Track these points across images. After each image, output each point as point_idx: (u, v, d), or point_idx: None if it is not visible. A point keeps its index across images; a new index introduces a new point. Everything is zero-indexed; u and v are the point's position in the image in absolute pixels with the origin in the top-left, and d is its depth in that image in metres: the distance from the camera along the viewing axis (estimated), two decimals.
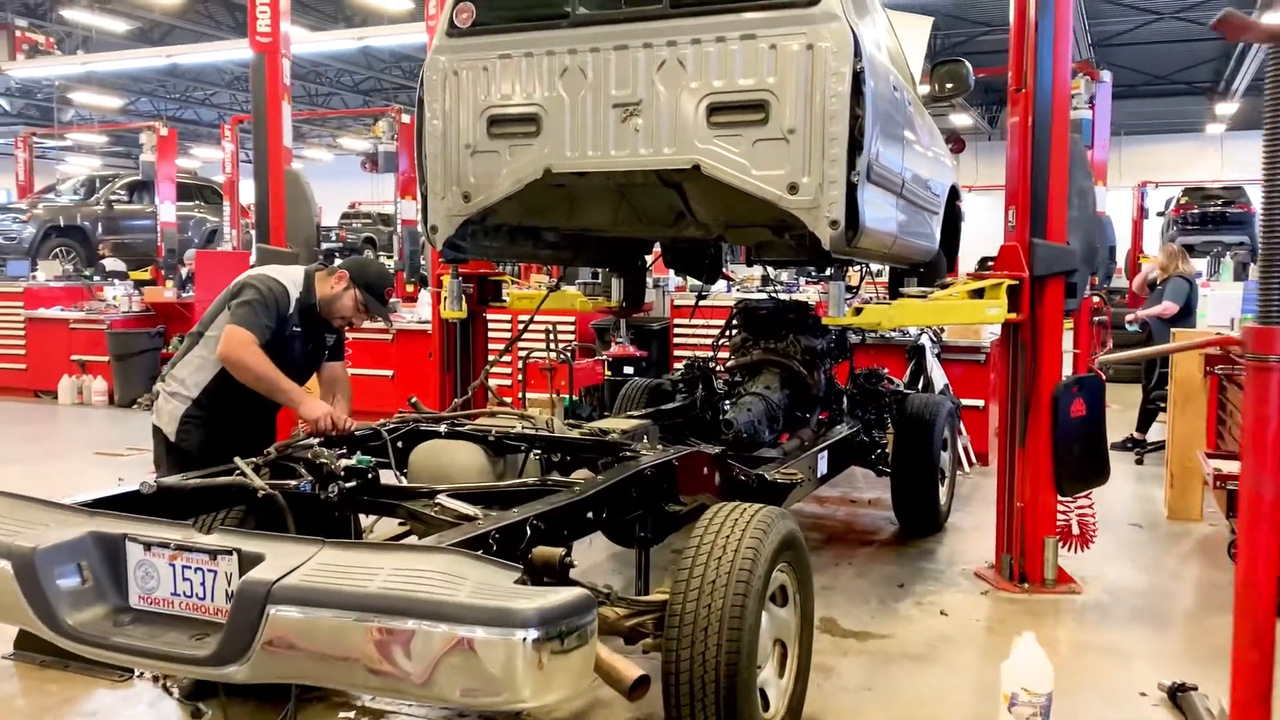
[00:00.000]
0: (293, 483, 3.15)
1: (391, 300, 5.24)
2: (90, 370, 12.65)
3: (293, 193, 7.23)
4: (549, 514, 2.90)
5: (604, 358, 9.49)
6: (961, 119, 26.49)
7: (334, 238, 23.62)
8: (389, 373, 10.36)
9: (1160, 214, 21.58)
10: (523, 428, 4.21)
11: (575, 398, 9.43)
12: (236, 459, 3.35)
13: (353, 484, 3.11)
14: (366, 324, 4.50)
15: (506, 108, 4.67)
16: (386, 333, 10.45)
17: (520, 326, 5.73)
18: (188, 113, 32.49)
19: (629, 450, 3.84)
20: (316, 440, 3.80)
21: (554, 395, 8.63)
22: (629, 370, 9.25)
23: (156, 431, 4.05)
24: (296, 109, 17.54)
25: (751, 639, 3.07)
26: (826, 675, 4.28)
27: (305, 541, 2.47)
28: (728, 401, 6.73)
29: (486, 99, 4.70)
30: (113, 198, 18.10)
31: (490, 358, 6.15)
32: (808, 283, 11.96)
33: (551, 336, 8.57)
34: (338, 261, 4.47)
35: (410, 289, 13.59)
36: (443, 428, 4.20)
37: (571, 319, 10.17)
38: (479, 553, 2.34)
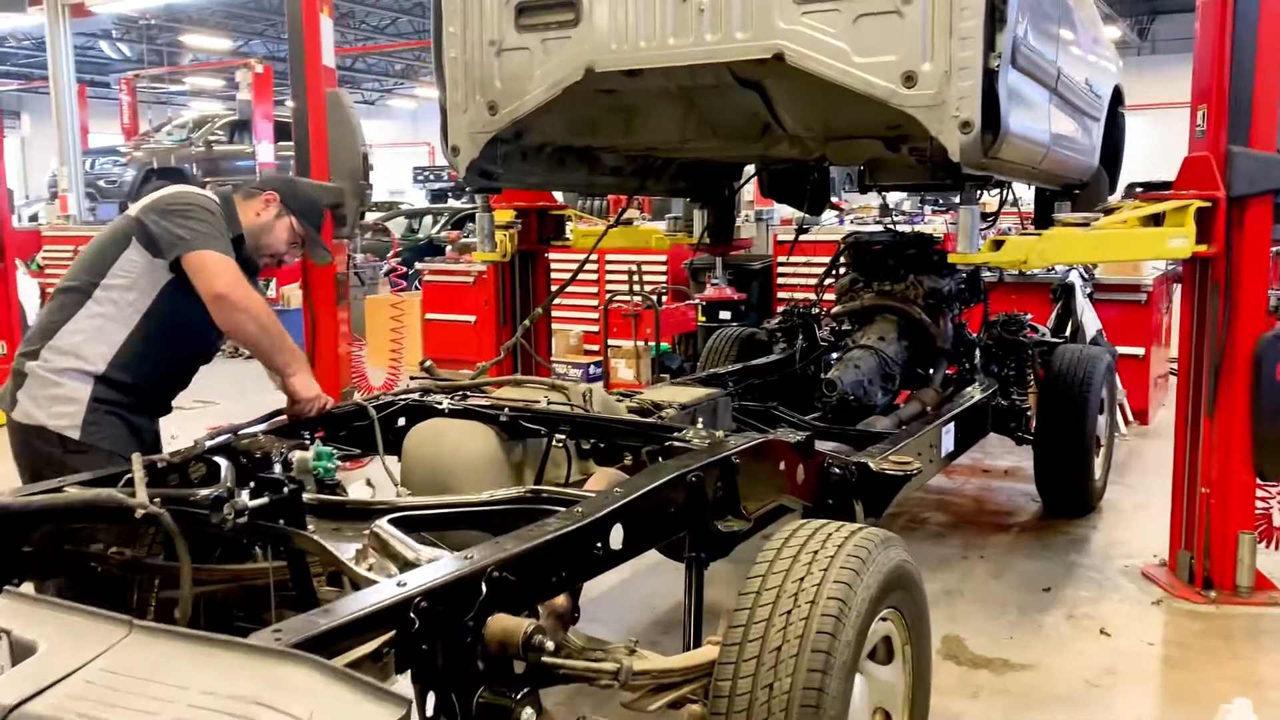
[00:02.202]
0: (207, 491, 2.25)
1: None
2: None
3: (335, 117, 6.36)
4: (524, 556, 1.93)
5: (696, 301, 8.44)
6: (1109, 30, 24.08)
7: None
8: (470, 318, 9.53)
9: None
10: (548, 402, 3.25)
11: (667, 345, 8.46)
12: (136, 456, 2.49)
13: (262, 500, 2.20)
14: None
15: None
16: (467, 274, 9.64)
17: (574, 270, 4.71)
18: None
19: (677, 439, 2.84)
20: (261, 428, 2.91)
21: (637, 344, 7.66)
22: (725, 315, 8.19)
23: (28, 432, 2.88)
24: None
25: None
26: None
27: (111, 622, 1.57)
28: (833, 355, 5.67)
29: None
30: (211, 138, 17.75)
31: (537, 309, 5.16)
32: (934, 212, 10.60)
33: (635, 279, 7.56)
34: (257, 179, 3.44)
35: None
36: (446, 403, 3.27)
37: (662, 258, 9.13)
38: (355, 673, 1.38)
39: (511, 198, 5.55)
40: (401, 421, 3.38)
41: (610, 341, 8.02)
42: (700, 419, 3.50)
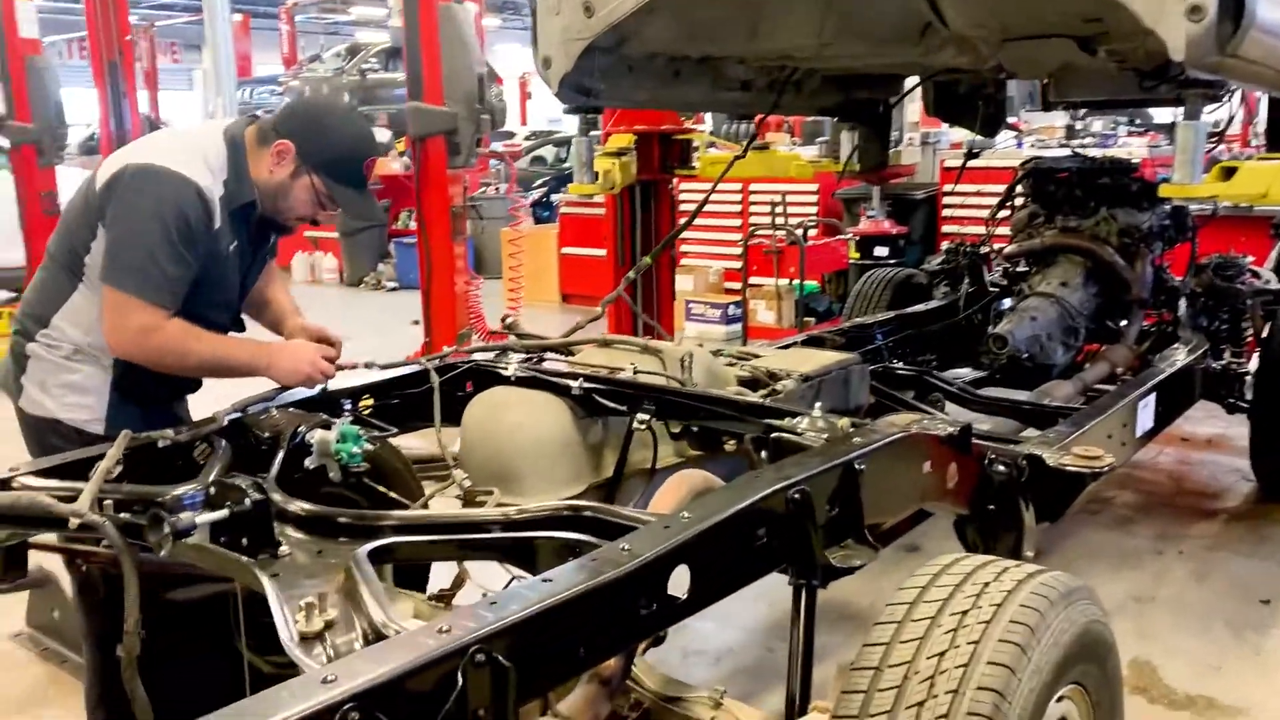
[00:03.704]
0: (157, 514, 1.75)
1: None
2: (321, 246, 12.23)
3: (448, 34, 5.82)
4: (528, 626, 1.34)
5: (849, 236, 7.61)
6: None
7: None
8: (603, 252, 8.96)
9: None
10: (635, 370, 2.63)
11: (814, 285, 7.70)
12: (124, 434, 2.02)
13: (218, 515, 1.67)
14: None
15: None
16: (601, 206, 9.05)
17: (694, 209, 4.03)
18: None
19: (785, 430, 2.19)
20: (272, 405, 2.40)
21: (779, 284, 6.94)
22: (881, 252, 7.34)
23: (40, 425, 2.43)
24: None
25: None
26: None
27: None
28: (1004, 303, 4.84)
29: None
30: (365, 67, 17.67)
31: (644, 259, 4.52)
32: (1131, 134, 9.30)
33: (778, 211, 6.81)
34: (269, 116, 2.58)
35: None
36: (512, 369, 2.70)
37: (813, 188, 8.29)
38: None
39: (630, 120, 4.90)
40: (469, 387, 2.85)
41: (751, 280, 7.32)
42: (826, 393, 2.83)
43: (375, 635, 1.41)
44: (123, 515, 1.85)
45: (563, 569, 1.49)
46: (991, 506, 2.47)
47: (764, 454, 2.21)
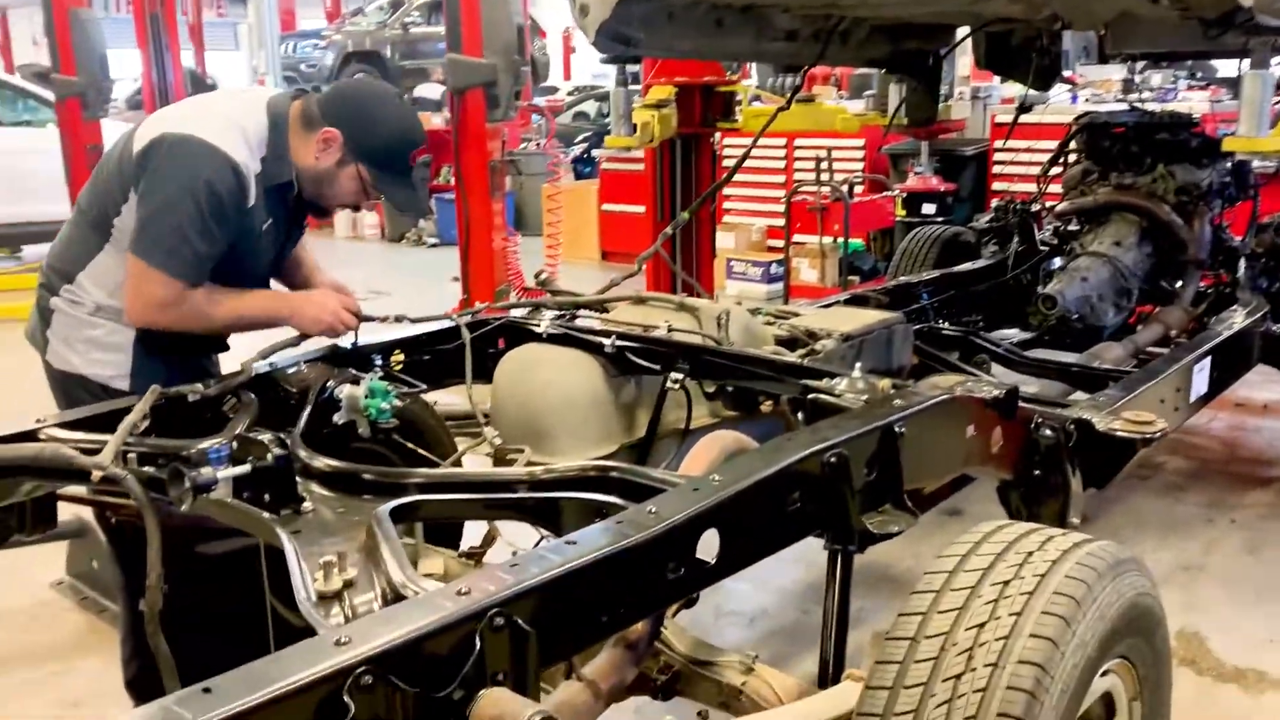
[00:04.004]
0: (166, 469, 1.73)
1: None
2: None
3: None
4: (549, 589, 1.29)
5: (895, 193, 7.45)
6: None
7: None
8: (642, 209, 8.87)
9: None
10: (669, 328, 2.57)
11: (859, 243, 7.56)
12: (153, 389, 2.00)
13: (239, 470, 1.65)
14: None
15: None
16: (640, 161, 8.94)
17: (735, 163, 3.92)
18: None
19: (823, 390, 2.12)
20: (302, 359, 2.37)
21: (823, 241, 6.81)
22: (928, 209, 7.18)
23: (66, 380, 2.40)
24: None
25: None
26: None
27: None
28: (1054, 262, 4.70)
29: None
30: (408, 20, 17.56)
31: (682, 214, 4.43)
32: (1190, 87, 8.98)
33: (822, 167, 6.66)
34: (315, 95, 2.47)
35: None
36: (544, 325, 2.65)
37: (859, 143, 8.11)
38: None
39: (671, 71, 4.79)
40: (502, 344, 2.81)
41: (795, 237, 7.19)
42: (867, 354, 2.75)
43: (394, 595, 1.38)
44: (146, 469, 1.83)
45: (587, 531, 1.44)
46: (1037, 472, 2.39)
47: (801, 415, 2.15)
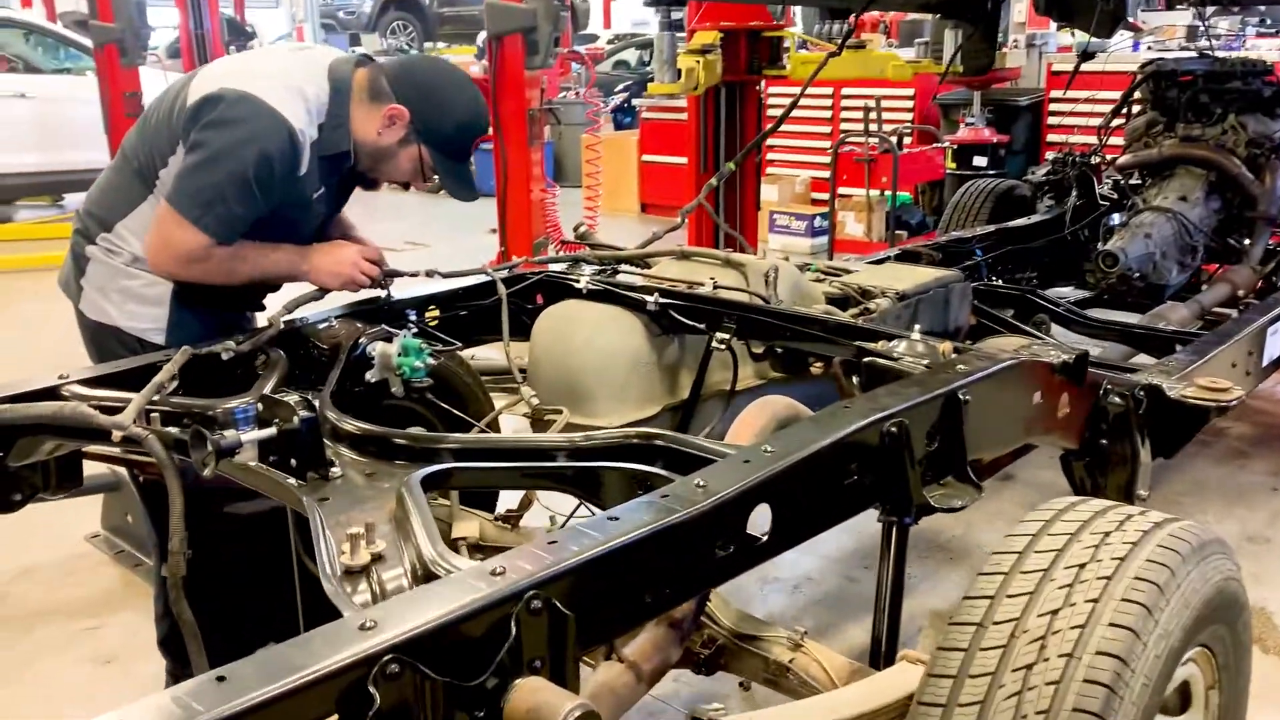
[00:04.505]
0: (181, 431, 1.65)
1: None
2: None
3: None
4: (589, 570, 1.20)
5: (946, 144, 7.21)
6: None
7: None
8: (684, 160, 8.69)
9: None
10: (713, 284, 2.45)
11: (907, 196, 7.35)
12: (184, 350, 1.92)
13: (265, 433, 1.56)
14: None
15: None
16: (682, 111, 8.74)
17: (782, 112, 3.75)
18: None
19: (881, 353, 1.99)
20: (333, 315, 2.27)
21: (870, 194, 6.62)
22: (980, 162, 6.96)
23: (100, 331, 2.29)
24: None
25: None
26: None
27: None
28: (1114, 217, 4.50)
29: None
30: None
31: (728, 165, 4.28)
32: (1260, 35, 8.59)
33: (871, 117, 6.45)
34: (386, 61, 2.36)
35: None
36: (584, 282, 2.54)
37: (909, 92, 7.86)
38: None
39: (717, 16, 4.61)
40: (539, 299, 2.71)
41: (840, 190, 6.99)
42: (923, 313, 2.62)
43: (424, 572, 1.29)
44: (171, 430, 1.75)
45: (630, 506, 1.34)
46: (1104, 441, 2.26)
47: (856, 380, 2.03)
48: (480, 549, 2.34)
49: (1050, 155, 5.05)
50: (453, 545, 2.26)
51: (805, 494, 1.52)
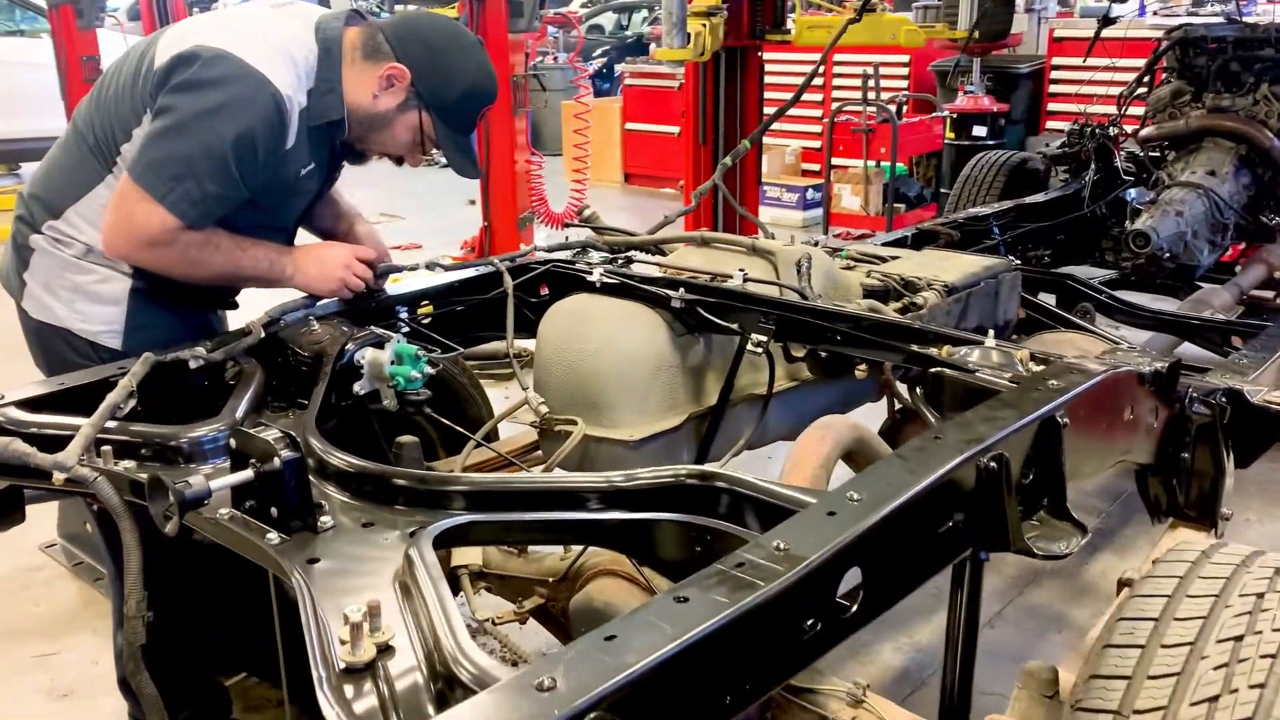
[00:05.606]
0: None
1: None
2: None
3: None
4: (662, 673, 0.94)
5: (944, 113, 6.95)
6: None
7: None
8: (674, 129, 8.37)
9: None
10: (743, 277, 2.17)
11: (904, 168, 7.09)
12: (146, 357, 1.63)
13: (238, 478, 1.27)
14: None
15: None
16: (671, 77, 8.41)
17: (802, 82, 3.45)
18: None
19: (956, 366, 1.73)
20: (313, 313, 1.99)
21: (867, 166, 6.35)
22: (979, 132, 6.70)
23: (45, 332, 1.99)
24: None
25: None
26: None
27: None
28: (1130, 193, 4.28)
29: None
30: None
31: (743, 143, 4.01)
32: (1270, 1, 8.35)
33: (870, 85, 6.18)
34: (387, 18, 2.12)
35: None
36: (595, 274, 2.26)
37: (903, 59, 7.58)
38: None
39: None
40: (544, 290, 2.43)
41: (835, 161, 6.72)
42: (973, 307, 2.37)
43: (444, 674, 1.01)
44: (125, 466, 1.47)
45: (701, 581, 1.07)
46: (1185, 455, 2.02)
47: (921, 391, 1.77)
48: (483, 576, 2.09)
49: (1067, 126, 4.79)
50: (452, 575, 2.00)
51: (900, 549, 1.26)
